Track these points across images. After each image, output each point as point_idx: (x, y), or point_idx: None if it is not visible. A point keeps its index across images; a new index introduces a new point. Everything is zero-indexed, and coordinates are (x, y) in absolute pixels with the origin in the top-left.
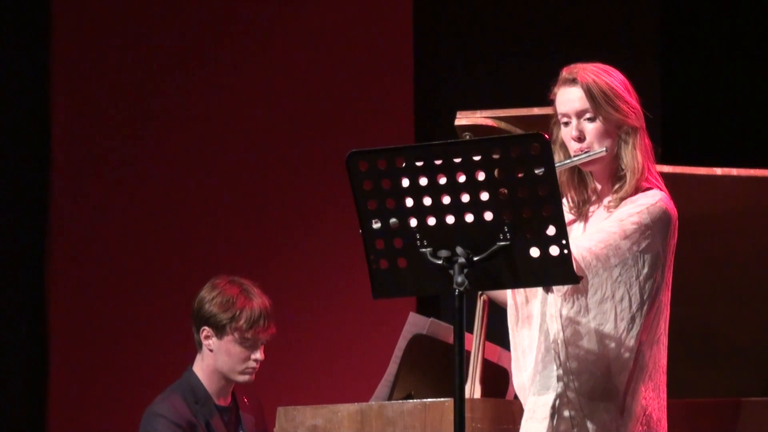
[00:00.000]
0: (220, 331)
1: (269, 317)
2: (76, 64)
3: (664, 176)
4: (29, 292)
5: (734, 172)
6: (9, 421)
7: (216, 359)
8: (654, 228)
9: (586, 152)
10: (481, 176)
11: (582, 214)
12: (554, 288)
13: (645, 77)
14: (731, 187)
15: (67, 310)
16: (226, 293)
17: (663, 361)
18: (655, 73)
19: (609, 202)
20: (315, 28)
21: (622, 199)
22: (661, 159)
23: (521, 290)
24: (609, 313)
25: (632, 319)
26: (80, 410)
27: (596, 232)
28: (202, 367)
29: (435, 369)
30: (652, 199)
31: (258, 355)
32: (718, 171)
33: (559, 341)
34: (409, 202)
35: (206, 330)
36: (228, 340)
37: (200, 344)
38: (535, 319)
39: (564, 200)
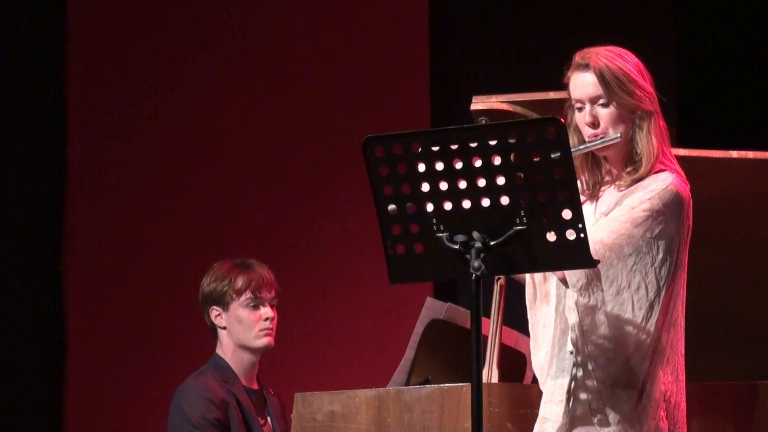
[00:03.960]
0: (224, 302)
1: (267, 279)
2: (91, 61)
3: (680, 159)
4: (46, 292)
5: (750, 154)
6: (27, 422)
7: (231, 334)
8: (666, 212)
9: (600, 138)
10: (497, 161)
11: (593, 195)
12: (569, 282)
13: (661, 60)
14: (747, 169)
15: (84, 311)
16: (220, 269)
17: (681, 344)
18: (671, 56)
19: (620, 182)
20: (331, 15)
21: (634, 180)
22: (677, 142)
23: None
24: (626, 303)
25: (650, 307)
26: (97, 410)
27: (607, 221)
28: (223, 350)
29: (452, 354)
30: (663, 183)
31: (267, 310)
32: (734, 154)
33: (577, 331)
34: (426, 187)
35: (214, 309)
36: (234, 308)
37: (215, 329)
38: (552, 297)
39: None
